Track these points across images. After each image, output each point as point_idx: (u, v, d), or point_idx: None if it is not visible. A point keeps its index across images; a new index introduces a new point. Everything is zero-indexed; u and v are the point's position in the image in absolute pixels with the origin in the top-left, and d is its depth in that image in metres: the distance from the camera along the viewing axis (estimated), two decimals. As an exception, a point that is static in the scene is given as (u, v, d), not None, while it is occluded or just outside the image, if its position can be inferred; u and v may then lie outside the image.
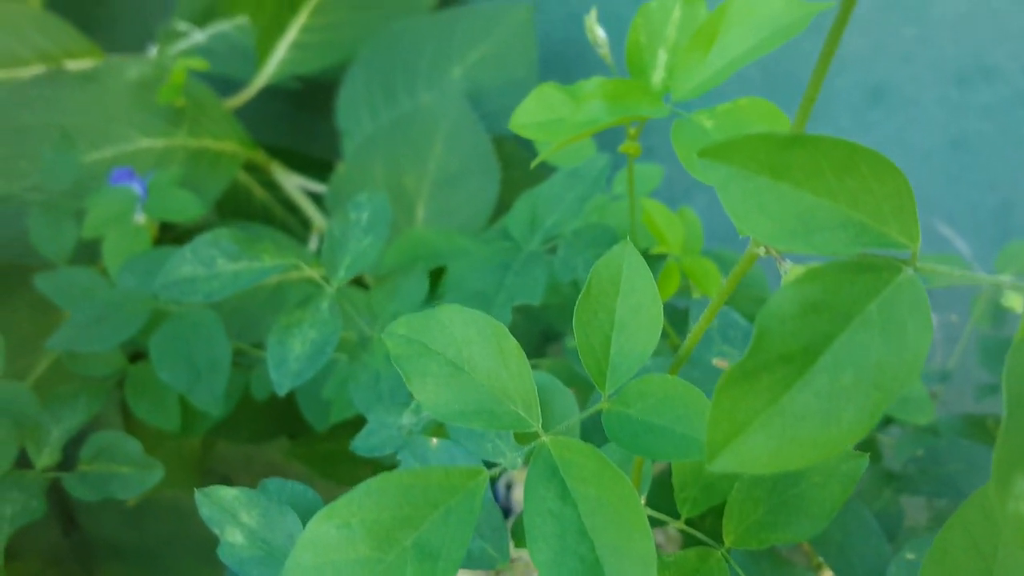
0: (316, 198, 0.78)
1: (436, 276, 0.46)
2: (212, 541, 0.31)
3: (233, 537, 0.29)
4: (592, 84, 0.34)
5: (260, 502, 0.29)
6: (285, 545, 0.29)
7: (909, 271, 0.17)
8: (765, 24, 0.32)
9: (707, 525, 0.27)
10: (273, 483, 0.32)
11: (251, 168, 0.78)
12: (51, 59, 0.76)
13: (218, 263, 0.40)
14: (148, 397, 0.53)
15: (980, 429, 0.61)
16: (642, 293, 0.23)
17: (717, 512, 0.26)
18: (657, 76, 0.35)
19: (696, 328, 0.23)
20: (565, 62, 0.88)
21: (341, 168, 0.72)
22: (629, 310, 0.23)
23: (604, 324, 0.23)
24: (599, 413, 0.24)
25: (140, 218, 0.60)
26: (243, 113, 0.79)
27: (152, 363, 0.47)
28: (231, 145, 0.73)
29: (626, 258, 0.24)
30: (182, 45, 0.81)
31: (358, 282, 0.60)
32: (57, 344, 0.49)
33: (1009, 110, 0.81)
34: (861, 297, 0.16)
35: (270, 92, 0.81)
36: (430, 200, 0.71)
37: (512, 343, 0.23)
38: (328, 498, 0.76)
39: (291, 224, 0.84)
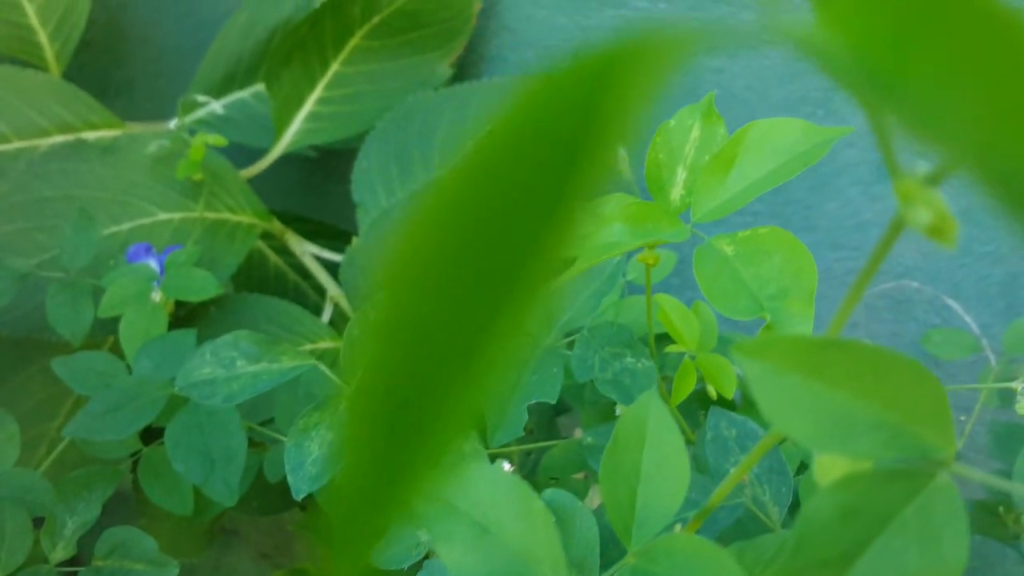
0: (330, 265, 0.79)
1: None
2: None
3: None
4: (613, 204, 0.34)
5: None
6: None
7: (945, 476, 0.17)
8: (784, 151, 0.32)
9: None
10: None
11: (266, 235, 0.79)
12: (71, 129, 0.77)
13: (238, 364, 0.40)
14: (162, 482, 0.53)
15: (992, 516, 0.60)
16: (668, 444, 0.23)
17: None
18: (676, 194, 0.35)
19: (730, 477, 0.23)
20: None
21: (356, 242, 0.72)
22: (655, 463, 0.23)
23: (630, 476, 0.23)
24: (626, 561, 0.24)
25: (156, 295, 0.61)
26: (259, 181, 0.80)
27: (168, 451, 0.48)
28: (248, 217, 0.74)
29: (652, 409, 0.24)
30: (200, 114, 0.82)
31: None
32: (74, 432, 0.50)
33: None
34: (897, 502, 0.17)
35: (286, 159, 0.82)
36: (444, 274, 0.71)
37: (540, 505, 0.23)
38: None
39: (304, 290, 0.84)
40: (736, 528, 0.31)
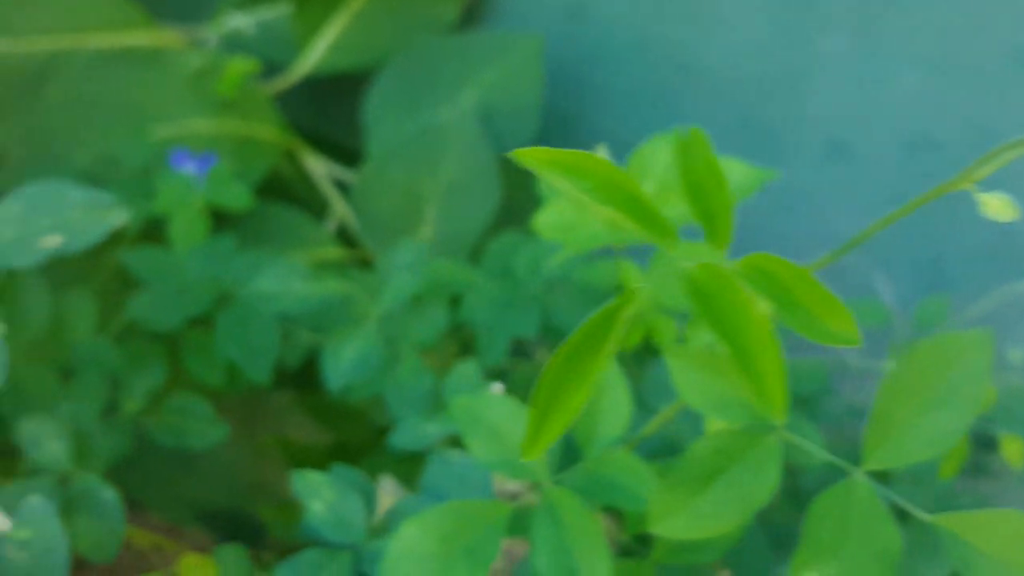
0: (338, 182, 0.89)
1: (454, 302, 0.59)
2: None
3: (316, 507, 0.41)
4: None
5: (337, 482, 0.42)
6: (351, 516, 0.41)
7: (772, 438, 0.30)
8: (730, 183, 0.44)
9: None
10: (339, 469, 0.44)
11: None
12: (114, 28, 0.86)
13: (293, 284, 0.52)
14: (201, 358, 0.64)
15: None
16: (618, 390, 0.36)
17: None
18: (647, 199, 0.47)
19: (658, 417, 0.36)
20: (569, 90, 1.00)
21: (367, 169, 0.83)
22: (609, 403, 0.36)
23: (593, 412, 0.36)
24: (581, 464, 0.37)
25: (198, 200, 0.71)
26: (278, 99, 0.90)
27: (217, 338, 0.59)
28: (273, 132, 0.84)
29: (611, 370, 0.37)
30: (229, 27, 0.91)
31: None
32: (136, 310, 0.61)
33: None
34: (744, 448, 0.29)
35: (305, 80, 0.91)
36: (440, 204, 0.83)
37: (534, 422, 0.36)
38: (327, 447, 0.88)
39: (309, 201, 0.95)
40: (665, 450, 0.45)
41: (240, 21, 0.91)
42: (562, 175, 0.26)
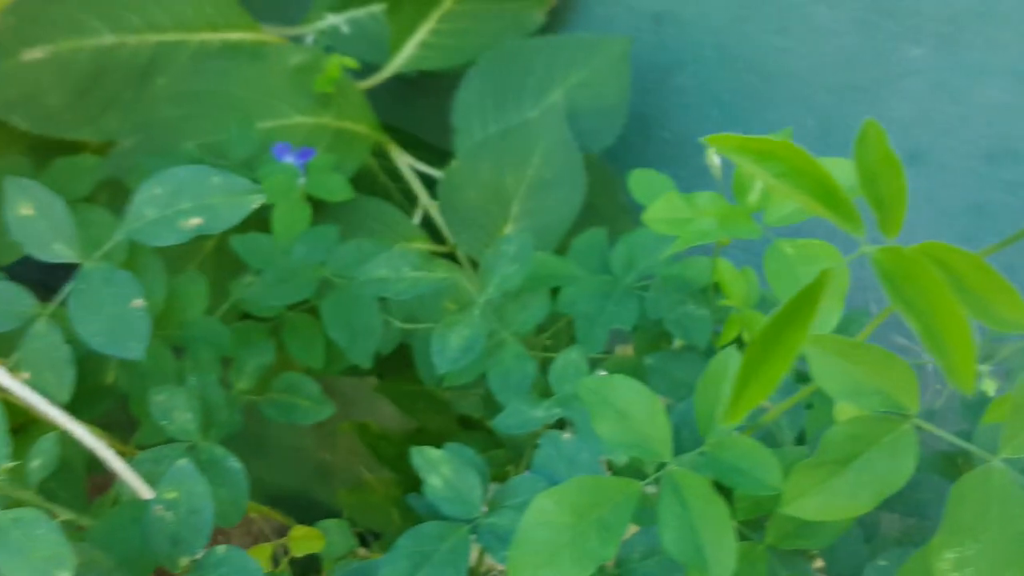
0: (423, 177, 0.92)
1: (553, 292, 0.61)
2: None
3: (434, 482, 0.43)
4: (706, 201, 0.47)
5: (453, 459, 0.44)
6: (467, 491, 0.43)
7: (907, 425, 0.31)
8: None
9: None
10: (453, 447, 0.46)
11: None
12: (216, 27, 0.89)
13: (404, 270, 0.54)
14: (301, 340, 0.67)
15: (951, 465, 0.75)
16: (739, 382, 0.37)
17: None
18: (753, 197, 0.48)
19: (775, 409, 0.37)
20: (652, 93, 1.01)
21: (455, 164, 0.85)
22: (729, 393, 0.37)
23: (713, 399, 0.37)
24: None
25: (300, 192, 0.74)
26: (369, 96, 0.92)
27: (323, 322, 0.62)
28: (365, 127, 0.87)
29: (731, 358, 0.38)
30: (324, 25, 0.94)
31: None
32: (246, 295, 0.64)
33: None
34: (879, 435, 0.30)
35: (392, 78, 0.94)
36: (525, 200, 0.84)
37: (659, 404, 0.37)
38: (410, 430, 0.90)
39: (393, 193, 0.97)
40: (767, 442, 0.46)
41: (335, 20, 0.93)
42: (754, 161, 0.27)
